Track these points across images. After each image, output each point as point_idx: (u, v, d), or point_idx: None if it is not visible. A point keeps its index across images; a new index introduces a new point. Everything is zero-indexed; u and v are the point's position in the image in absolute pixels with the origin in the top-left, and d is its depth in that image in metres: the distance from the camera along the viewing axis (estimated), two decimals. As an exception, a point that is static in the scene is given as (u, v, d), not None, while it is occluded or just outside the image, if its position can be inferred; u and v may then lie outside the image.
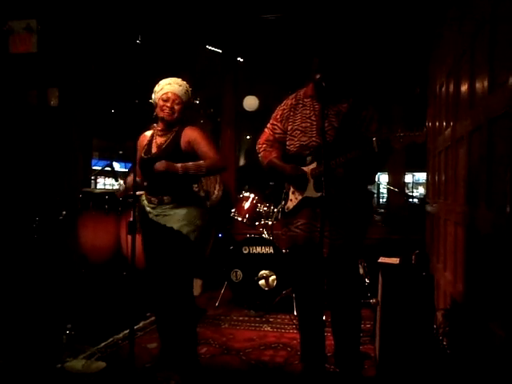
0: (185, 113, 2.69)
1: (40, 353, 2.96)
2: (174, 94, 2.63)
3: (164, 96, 2.63)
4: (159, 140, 2.68)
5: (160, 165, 2.51)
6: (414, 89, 5.30)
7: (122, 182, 2.89)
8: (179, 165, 2.53)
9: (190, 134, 2.62)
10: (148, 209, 2.62)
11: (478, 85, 2.27)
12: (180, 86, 2.66)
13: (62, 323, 3.25)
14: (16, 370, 2.76)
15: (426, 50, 4.37)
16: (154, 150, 2.67)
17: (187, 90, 2.69)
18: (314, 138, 2.50)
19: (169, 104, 2.62)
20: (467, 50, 2.51)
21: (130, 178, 2.71)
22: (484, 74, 2.11)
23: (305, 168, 2.52)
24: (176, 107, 2.63)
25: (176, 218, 2.56)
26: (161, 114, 2.63)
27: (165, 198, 2.58)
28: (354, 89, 2.57)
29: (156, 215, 2.60)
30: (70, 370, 2.77)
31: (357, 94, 2.53)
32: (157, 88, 2.67)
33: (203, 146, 2.61)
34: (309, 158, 2.51)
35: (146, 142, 2.74)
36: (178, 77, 2.73)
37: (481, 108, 2.18)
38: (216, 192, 4.66)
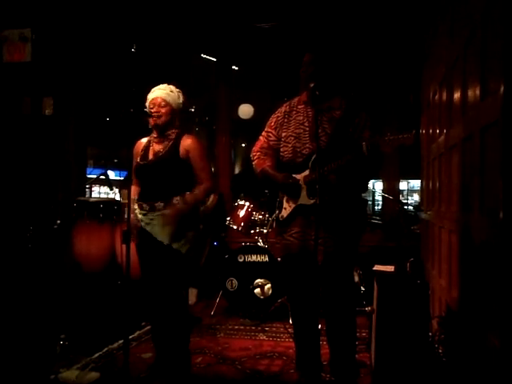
0: (176, 116, 2.68)
1: (33, 363, 2.93)
2: (159, 97, 2.64)
3: (150, 103, 2.66)
4: (156, 147, 2.68)
5: (172, 216, 2.52)
6: (407, 97, 5.33)
7: (117, 190, 2.87)
8: (175, 208, 2.53)
9: (188, 143, 2.63)
10: (140, 216, 2.60)
11: (470, 93, 2.28)
12: (164, 89, 2.67)
13: (56, 333, 3.23)
14: (9, 380, 2.73)
15: (418, 59, 4.40)
16: (150, 156, 2.67)
17: (172, 92, 2.68)
18: (307, 145, 2.51)
19: (155, 109, 2.63)
20: (459, 58, 2.53)
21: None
22: (476, 82, 2.12)
23: (298, 175, 2.52)
24: (162, 110, 2.63)
25: (166, 231, 2.53)
26: (150, 121, 2.64)
27: (156, 204, 2.56)
28: (348, 96, 2.59)
29: (147, 223, 2.58)
30: (64, 381, 2.75)
31: (350, 101, 2.55)
32: (147, 102, 2.70)
33: (199, 163, 2.62)
34: (302, 165, 2.52)
35: (142, 148, 2.74)
36: (173, 85, 2.74)
37: (473, 116, 2.20)
38: (211, 198, 4.64)
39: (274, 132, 2.68)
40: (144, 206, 2.59)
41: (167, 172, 2.58)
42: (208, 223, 3.74)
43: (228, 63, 5.62)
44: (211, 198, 4.57)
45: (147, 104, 2.67)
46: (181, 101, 2.72)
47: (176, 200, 2.56)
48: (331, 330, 2.58)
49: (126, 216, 2.61)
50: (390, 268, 2.98)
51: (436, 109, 3.46)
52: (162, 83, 2.74)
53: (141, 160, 2.68)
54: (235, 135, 6.65)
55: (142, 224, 2.59)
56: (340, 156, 2.37)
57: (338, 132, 2.47)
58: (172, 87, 2.71)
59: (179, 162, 2.59)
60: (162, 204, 2.56)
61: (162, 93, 2.65)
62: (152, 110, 2.62)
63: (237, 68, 6.15)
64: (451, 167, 2.82)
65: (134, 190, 2.67)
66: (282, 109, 2.70)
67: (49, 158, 4.53)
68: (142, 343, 3.45)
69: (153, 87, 2.73)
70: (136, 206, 2.64)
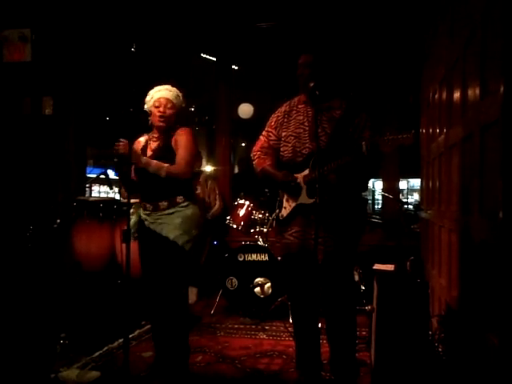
0: (178, 118, 2.69)
1: (34, 363, 2.93)
2: (166, 98, 2.65)
3: (156, 102, 2.65)
4: (154, 145, 2.69)
5: (124, 147, 2.47)
6: (407, 97, 5.33)
7: (117, 189, 2.88)
8: (144, 158, 2.54)
9: (178, 134, 2.64)
10: (143, 216, 2.61)
11: (469, 93, 2.29)
12: (170, 91, 2.68)
13: (56, 332, 3.23)
14: (9, 380, 2.73)
15: (418, 59, 4.40)
16: (148, 154, 2.68)
17: (178, 95, 2.70)
18: (307, 144, 2.51)
19: (161, 109, 2.63)
20: (459, 58, 2.54)
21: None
22: (476, 81, 2.13)
23: (298, 175, 2.53)
24: (168, 111, 2.64)
25: (171, 227, 2.53)
26: (155, 121, 2.64)
27: (160, 203, 2.57)
28: (347, 96, 2.59)
29: (151, 222, 2.58)
30: (64, 380, 2.75)
31: (350, 101, 2.56)
32: (148, 98, 2.71)
33: (181, 149, 2.60)
34: (302, 164, 2.52)
35: (140, 147, 2.75)
36: (173, 84, 2.75)
37: (473, 116, 2.20)
38: (217, 204, 4.69)
39: (274, 132, 2.68)
40: (147, 205, 2.60)
41: None
42: (209, 224, 3.75)
43: (228, 63, 5.62)
44: (217, 205, 4.64)
45: (150, 102, 2.67)
46: (184, 105, 2.75)
47: (180, 199, 2.57)
48: (331, 329, 2.58)
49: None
50: (390, 267, 2.98)
51: (436, 109, 3.46)
52: (162, 83, 2.74)
53: None
54: (235, 135, 6.64)
55: (146, 223, 2.59)
56: (340, 156, 2.37)
57: (337, 132, 2.47)
58: (177, 90, 2.72)
59: (175, 156, 2.60)
60: (166, 203, 2.56)
61: (170, 94, 2.66)
62: (159, 110, 2.62)
63: (237, 68, 6.14)
64: (451, 167, 2.82)
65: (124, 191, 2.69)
66: (282, 108, 2.71)
67: (49, 158, 4.53)
68: (142, 342, 3.45)
69: (153, 87, 2.73)
70: (139, 205, 2.65)
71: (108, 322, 3.40)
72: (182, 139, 2.61)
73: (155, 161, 2.54)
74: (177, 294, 2.59)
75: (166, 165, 2.54)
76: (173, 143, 2.61)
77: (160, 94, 2.66)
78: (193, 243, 2.57)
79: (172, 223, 2.54)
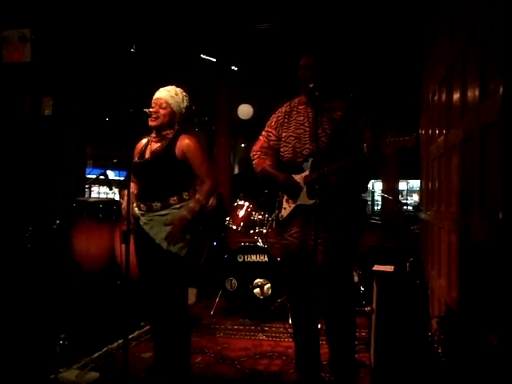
0: (175, 119, 2.65)
1: (33, 363, 2.93)
2: (160, 98, 2.62)
3: (153, 102, 2.64)
4: (154, 146, 2.67)
5: (176, 227, 2.47)
6: (407, 98, 5.33)
7: (116, 190, 2.86)
8: (184, 212, 2.50)
9: (185, 144, 2.58)
10: (138, 216, 2.60)
11: (469, 93, 2.29)
12: (169, 91, 2.65)
13: (56, 333, 3.23)
14: (9, 380, 2.73)
15: (418, 59, 4.41)
16: (147, 155, 2.67)
17: (177, 95, 2.65)
18: (307, 145, 2.51)
19: (154, 108, 2.61)
20: (459, 59, 2.54)
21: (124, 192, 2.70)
22: (475, 82, 2.12)
23: (298, 175, 2.52)
24: (161, 111, 2.60)
25: (164, 234, 2.51)
26: (148, 120, 2.62)
27: (153, 204, 2.55)
28: (348, 97, 2.60)
29: (145, 223, 2.57)
30: (64, 381, 2.75)
31: (350, 103, 2.56)
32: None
33: (198, 164, 2.58)
34: (302, 165, 2.52)
35: (141, 148, 2.74)
36: (177, 85, 2.72)
37: (473, 117, 2.20)
38: (210, 200, 4.66)
39: (274, 132, 2.68)
40: (142, 206, 2.59)
41: (163, 170, 2.57)
42: (207, 223, 3.73)
43: (228, 63, 5.62)
44: (210, 199, 4.59)
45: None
46: (184, 105, 2.67)
47: (173, 200, 2.55)
48: (331, 330, 2.58)
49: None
50: (390, 268, 2.98)
51: (435, 109, 3.46)
52: (162, 83, 2.73)
53: (138, 159, 2.68)
54: (235, 135, 6.64)
55: (141, 223, 2.58)
56: (340, 157, 2.38)
57: (338, 133, 2.47)
58: (178, 90, 2.68)
59: (175, 162, 2.57)
60: (159, 204, 2.54)
61: (165, 94, 2.63)
62: (152, 110, 2.62)
63: (236, 68, 6.15)
64: (450, 168, 2.82)
65: (133, 186, 2.66)
66: (283, 109, 2.71)
67: (49, 158, 4.53)
68: (142, 343, 3.45)
69: (152, 87, 2.73)
70: (135, 205, 2.64)
71: (107, 323, 3.39)
72: (191, 151, 2.58)
73: (190, 204, 2.53)
74: (175, 297, 2.58)
75: (197, 195, 2.56)
76: (177, 150, 2.58)
77: (157, 95, 2.65)
78: (188, 247, 2.54)
79: (164, 229, 2.51)
